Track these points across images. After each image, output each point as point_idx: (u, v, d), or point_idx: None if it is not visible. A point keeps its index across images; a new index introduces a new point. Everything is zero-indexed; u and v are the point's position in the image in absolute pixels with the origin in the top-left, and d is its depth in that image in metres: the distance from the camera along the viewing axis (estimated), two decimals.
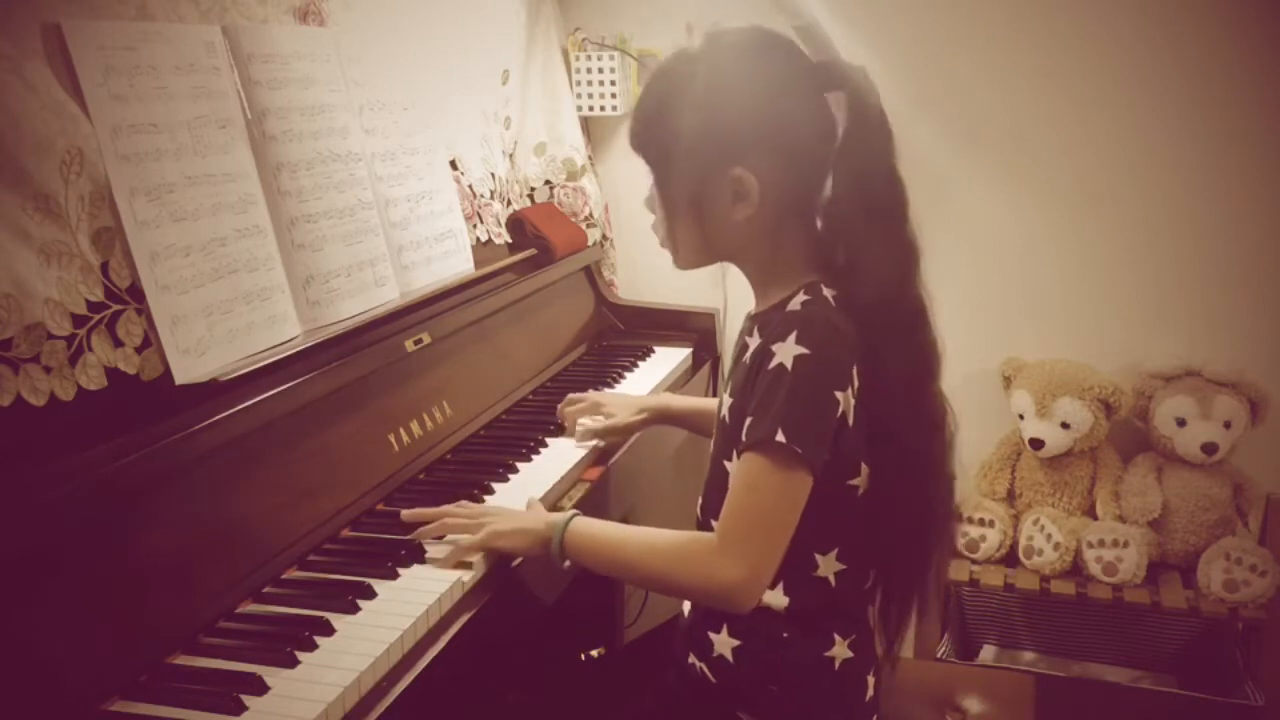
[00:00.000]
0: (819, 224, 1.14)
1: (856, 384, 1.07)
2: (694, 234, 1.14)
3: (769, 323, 1.10)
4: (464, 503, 1.28)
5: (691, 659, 1.21)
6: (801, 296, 1.10)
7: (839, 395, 1.05)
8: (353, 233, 1.47)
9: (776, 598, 1.13)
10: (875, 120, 1.09)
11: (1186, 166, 2.01)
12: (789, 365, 1.04)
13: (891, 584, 1.19)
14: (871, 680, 1.19)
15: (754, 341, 1.11)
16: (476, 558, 1.19)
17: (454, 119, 1.88)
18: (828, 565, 1.13)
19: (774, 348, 1.06)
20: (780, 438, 1.02)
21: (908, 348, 1.11)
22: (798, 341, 1.05)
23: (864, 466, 1.11)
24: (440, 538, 1.23)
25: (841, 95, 1.08)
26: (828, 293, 1.10)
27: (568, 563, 1.17)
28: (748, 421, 1.06)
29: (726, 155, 1.08)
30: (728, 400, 1.15)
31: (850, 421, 1.07)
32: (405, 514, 1.26)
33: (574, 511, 1.19)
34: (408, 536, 1.23)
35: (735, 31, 1.11)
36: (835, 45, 1.13)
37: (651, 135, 1.13)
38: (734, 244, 1.14)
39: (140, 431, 1.06)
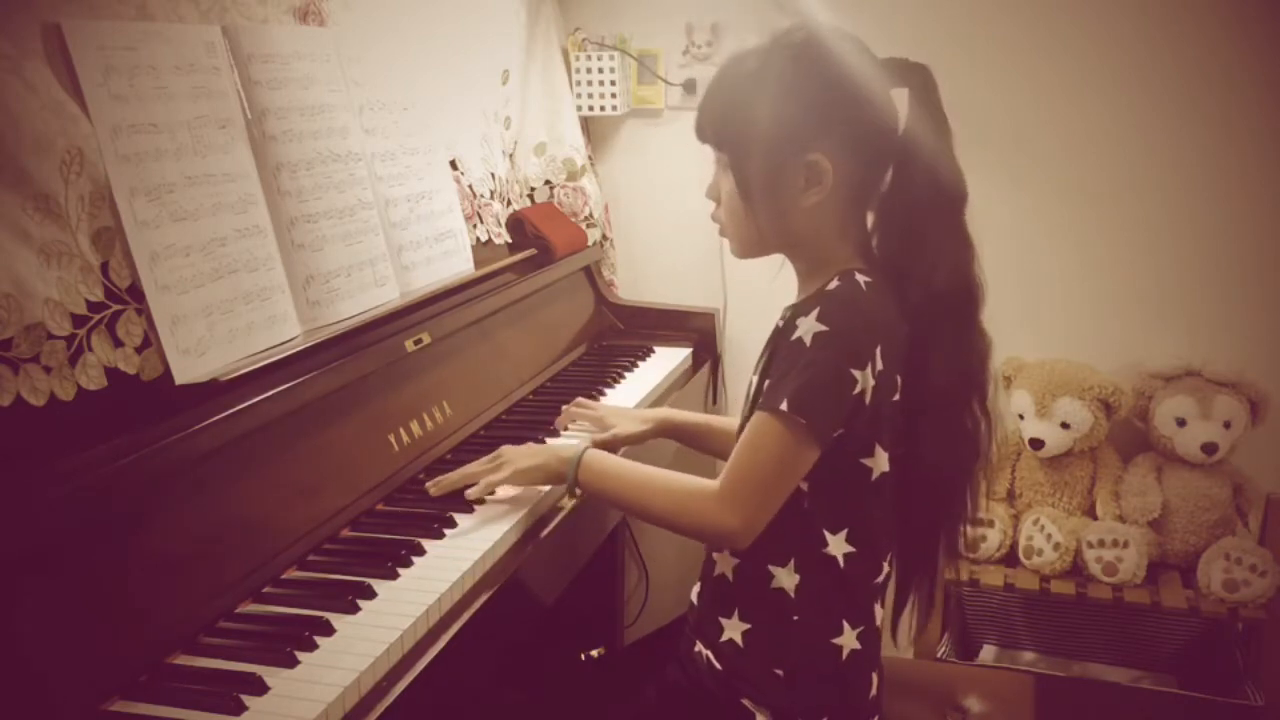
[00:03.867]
0: (870, 218, 1.19)
1: (880, 365, 1.10)
2: (764, 218, 1.16)
3: (801, 309, 1.13)
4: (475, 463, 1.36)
5: (698, 648, 1.21)
6: (835, 282, 1.14)
7: (856, 373, 1.08)
8: (353, 233, 1.47)
9: (787, 576, 1.15)
10: (937, 116, 1.14)
11: (1186, 166, 2.01)
12: (807, 340, 1.08)
13: (911, 566, 1.23)
14: (875, 679, 1.20)
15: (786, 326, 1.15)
16: (508, 527, 1.27)
17: (454, 119, 1.88)
18: (837, 545, 1.15)
19: (798, 322, 1.10)
20: (785, 406, 1.07)
21: (964, 335, 1.17)
22: (819, 319, 1.09)
23: (880, 450, 1.14)
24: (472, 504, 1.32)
25: (905, 92, 1.14)
26: (861, 278, 1.13)
27: (579, 491, 1.27)
28: (765, 385, 1.11)
29: (803, 141, 1.12)
30: (756, 382, 1.19)
31: (867, 400, 1.10)
32: (431, 488, 1.33)
33: (588, 444, 1.27)
34: (431, 489, 1.32)
35: (807, 26, 1.15)
36: (875, 50, 1.16)
37: (727, 124, 1.16)
38: (799, 229, 1.17)
39: (140, 431, 1.06)
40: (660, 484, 1.19)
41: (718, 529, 1.13)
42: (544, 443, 1.54)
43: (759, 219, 1.16)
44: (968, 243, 1.16)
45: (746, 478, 1.11)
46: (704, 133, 1.20)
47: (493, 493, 1.32)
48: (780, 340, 1.13)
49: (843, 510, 1.15)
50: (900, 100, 1.15)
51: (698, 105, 1.21)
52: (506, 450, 1.35)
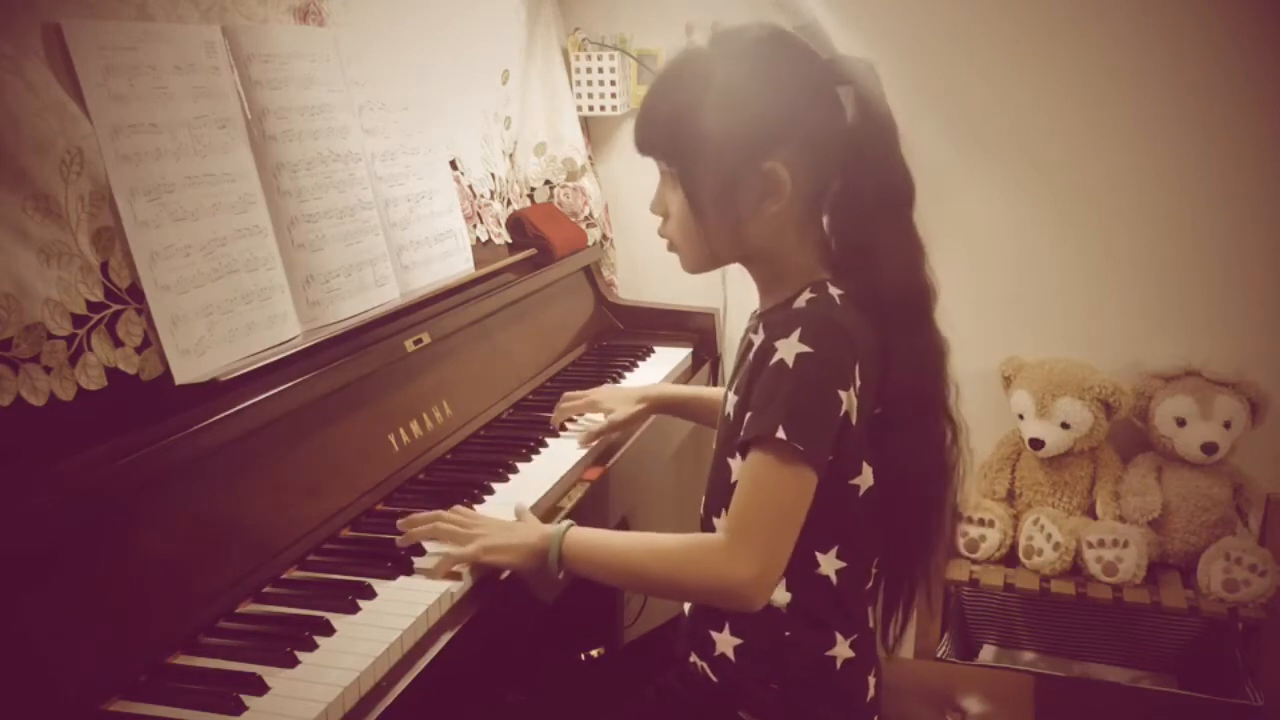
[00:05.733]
0: (825, 220, 1.15)
1: (859, 383, 1.07)
2: (719, 232, 1.11)
3: (773, 320, 1.10)
4: (458, 508, 1.25)
5: (693, 658, 1.21)
6: (807, 294, 1.11)
7: (842, 394, 1.05)
8: (353, 232, 1.47)
9: (779, 594, 1.13)
10: (882, 113, 1.10)
11: (1187, 166, 2.01)
12: (790, 362, 1.04)
13: (893, 579, 1.20)
14: (872, 681, 1.20)
15: (758, 339, 1.11)
16: (465, 568, 1.17)
17: (454, 119, 1.88)
18: (828, 564, 1.13)
19: (777, 344, 1.06)
20: (781, 434, 1.02)
21: (918, 337, 1.12)
22: (800, 339, 1.05)
23: (865, 465, 1.12)
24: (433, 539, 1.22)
25: (849, 89, 1.09)
26: (834, 291, 1.10)
27: (563, 574, 1.15)
28: (748, 416, 1.07)
29: (758, 150, 1.07)
30: (732, 398, 1.15)
31: (854, 421, 1.07)
32: (401, 523, 1.23)
33: (569, 522, 1.17)
34: (399, 540, 1.21)
35: (747, 28, 1.10)
36: (835, 44, 1.13)
37: (674, 136, 1.10)
38: (757, 241, 1.12)
39: (140, 431, 1.06)
40: (658, 548, 1.09)
41: (731, 582, 1.03)
42: (545, 444, 1.55)
43: (713, 234, 1.10)
44: (918, 243, 1.11)
45: (753, 519, 1.04)
46: (647, 144, 1.14)
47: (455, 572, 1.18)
48: (758, 362, 1.08)
49: (831, 531, 1.12)
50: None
51: (637, 115, 1.14)
52: (484, 520, 1.22)
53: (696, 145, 1.08)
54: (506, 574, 1.21)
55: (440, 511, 1.24)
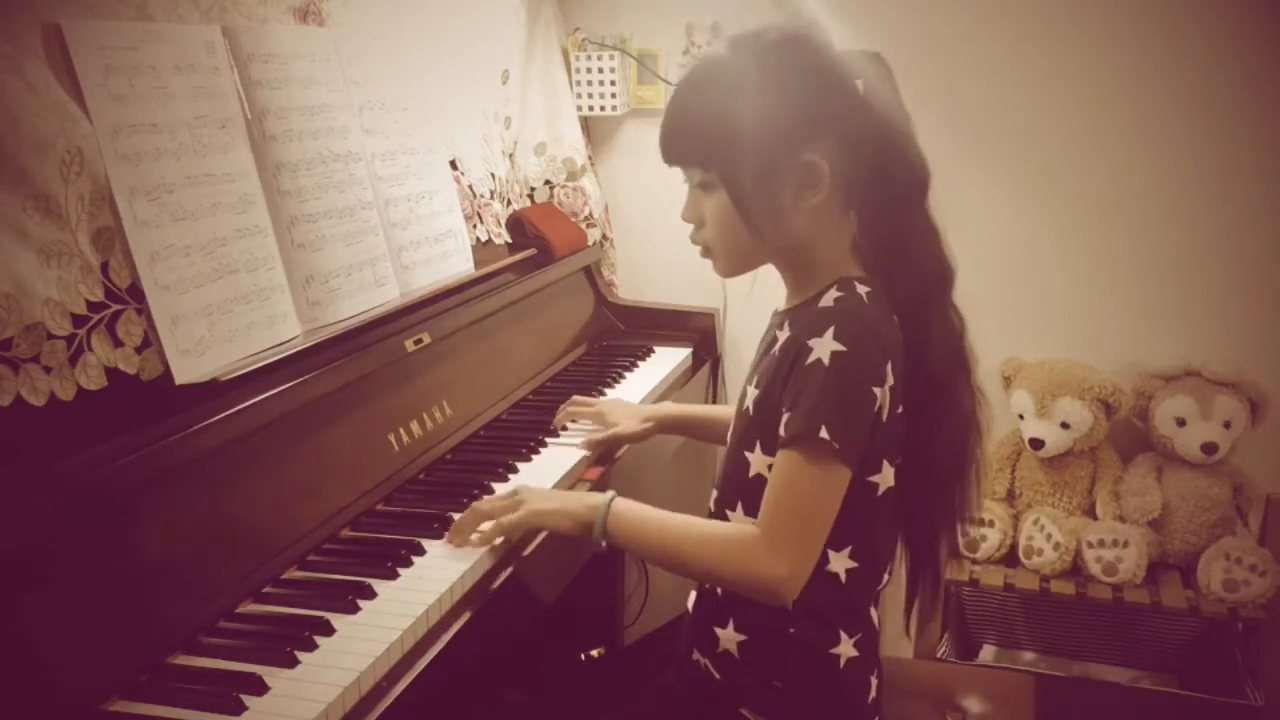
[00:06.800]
0: (854, 216, 1.16)
1: (891, 380, 1.08)
2: (764, 226, 1.11)
3: (800, 318, 1.11)
4: (487, 497, 1.30)
5: (695, 655, 1.21)
6: (835, 292, 1.12)
7: (876, 391, 1.07)
8: (353, 232, 1.47)
9: None
10: (894, 103, 1.12)
11: (1187, 166, 2.01)
12: (826, 361, 1.06)
13: (918, 553, 1.22)
14: (875, 681, 1.20)
15: (784, 334, 1.12)
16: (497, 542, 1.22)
17: (454, 119, 1.88)
18: (839, 562, 1.14)
19: (810, 343, 1.07)
20: (824, 434, 1.04)
21: (945, 316, 1.15)
22: (835, 338, 1.06)
23: (886, 465, 1.13)
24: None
25: (860, 82, 1.11)
26: (861, 289, 1.11)
27: (605, 544, 1.17)
28: (785, 416, 1.08)
29: (796, 144, 1.08)
30: (752, 392, 1.16)
31: (884, 418, 1.09)
32: (456, 541, 1.22)
33: (612, 493, 1.20)
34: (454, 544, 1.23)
35: (764, 30, 1.11)
36: (836, 42, 1.14)
37: (710, 140, 1.11)
38: (798, 233, 1.12)
39: (140, 431, 1.06)
40: (697, 534, 1.12)
41: (765, 578, 1.06)
42: (545, 444, 1.55)
43: (758, 229, 1.11)
44: (935, 227, 1.14)
45: (789, 518, 1.06)
46: (679, 154, 1.15)
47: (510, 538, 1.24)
48: (785, 358, 1.10)
49: (847, 528, 1.12)
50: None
51: (664, 128, 1.15)
52: (524, 489, 1.26)
53: (736, 146, 1.09)
54: (526, 551, 1.23)
55: (473, 505, 1.25)
